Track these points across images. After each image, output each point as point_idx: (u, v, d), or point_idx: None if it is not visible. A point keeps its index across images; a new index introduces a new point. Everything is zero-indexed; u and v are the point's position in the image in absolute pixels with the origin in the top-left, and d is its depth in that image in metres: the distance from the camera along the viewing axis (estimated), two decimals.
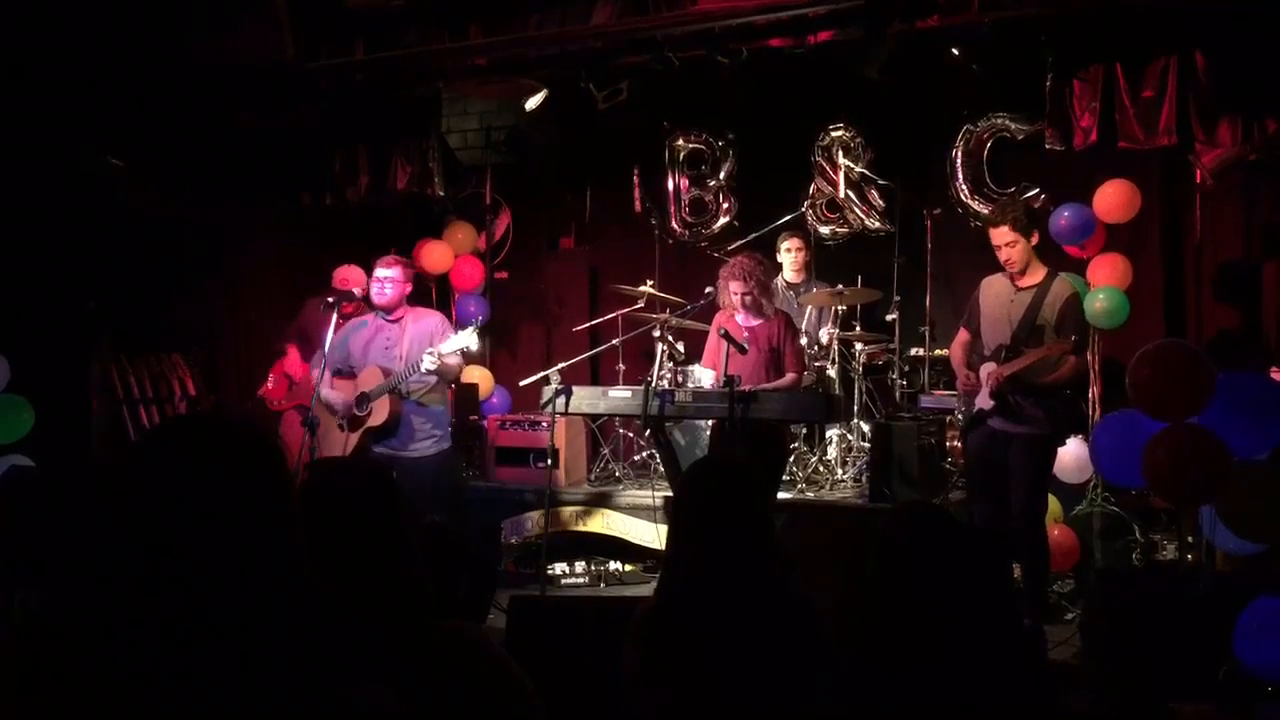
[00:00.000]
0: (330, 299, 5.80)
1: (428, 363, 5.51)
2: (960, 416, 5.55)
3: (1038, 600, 5.29)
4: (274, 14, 6.41)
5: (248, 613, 1.37)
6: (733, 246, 7.40)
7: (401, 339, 5.76)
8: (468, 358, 6.07)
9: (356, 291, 6.45)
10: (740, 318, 5.91)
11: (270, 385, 7.03)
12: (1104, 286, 6.60)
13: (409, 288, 5.86)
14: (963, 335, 5.62)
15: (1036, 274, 5.34)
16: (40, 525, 2.42)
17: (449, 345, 5.56)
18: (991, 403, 5.26)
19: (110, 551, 1.39)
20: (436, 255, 8.22)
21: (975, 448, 5.45)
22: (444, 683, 1.85)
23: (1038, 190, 7.15)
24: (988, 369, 5.32)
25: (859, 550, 2.53)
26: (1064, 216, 6.64)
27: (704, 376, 6.09)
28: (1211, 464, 4.50)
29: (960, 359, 5.57)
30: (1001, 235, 5.31)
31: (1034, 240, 5.32)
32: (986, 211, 7.16)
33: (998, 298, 5.42)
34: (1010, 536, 5.29)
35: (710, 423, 6.13)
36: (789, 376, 5.81)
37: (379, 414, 5.66)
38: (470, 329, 5.62)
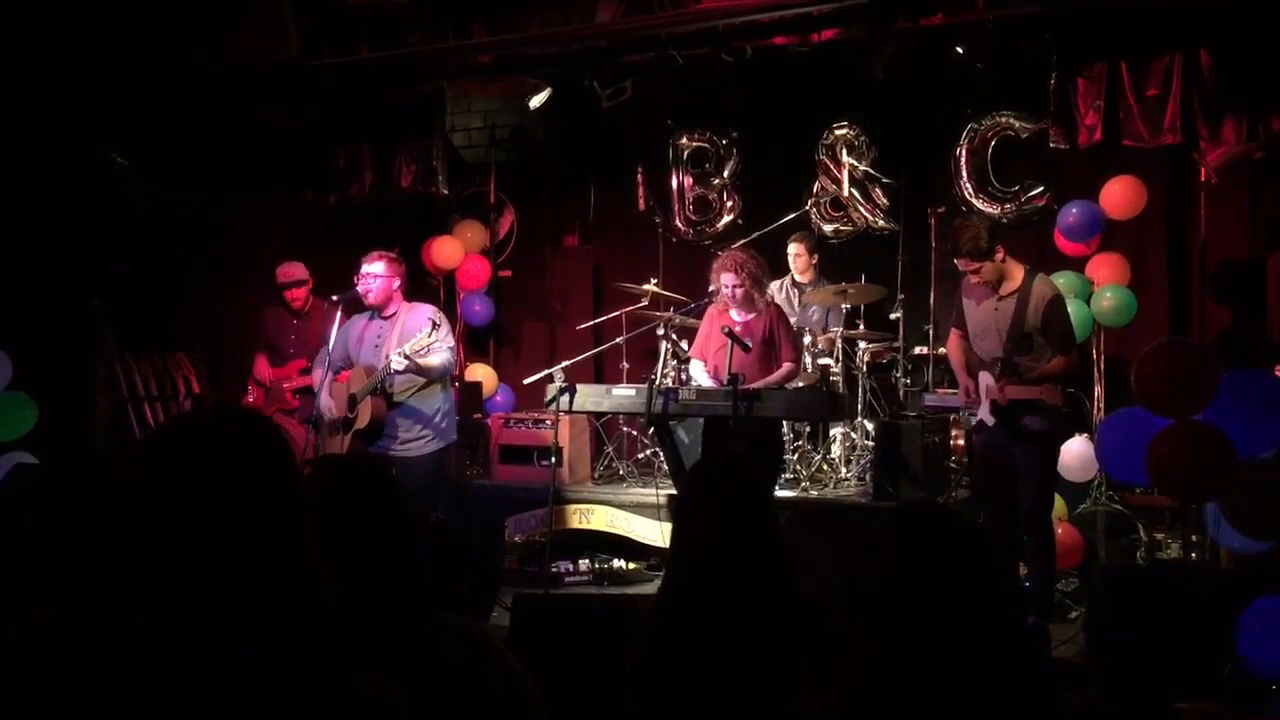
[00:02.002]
0: (335, 297, 5.78)
1: (395, 363, 5.32)
2: (971, 418, 5.52)
3: (1044, 598, 5.28)
4: (279, 13, 6.41)
5: (266, 609, 1.36)
6: (736, 245, 7.38)
7: (391, 335, 5.57)
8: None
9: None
10: (735, 314, 5.89)
11: (250, 399, 7.20)
12: (1110, 285, 6.59)
13: (397, 281, 5.67)
14: (955, 336, 5.57)
15: (1015, 279, 5.25)
16: (44, 522, 2.42)
17: (412, 344, 5.35)
18: (993, 419, 5.24)
19: (124, 547, 1.38)
20: (448, 251, 8.22)
21: (982, 449, 5.44)
22: (446, 680, 1.85)
23: (1042, 188, 7.14)
24: (986, 382, 5.27)
25: (862, 549, 2.54)
26: (1072, 214, 6.64)
27: (695, 368, 6.08)
28: (1216, 461, 4.50)
29: (959, 361, 5.52)
30: (962, 264, 5.28)
31: (999, 257, 5.19)
32: (989, 210, 7.18)
33: (982, 306, 5.36)
34: (1018, 535, 5.29)
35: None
36: (786, 366, 5.79)
37: (363, 417, 5.53)
38: (429, 323, 5.43)
